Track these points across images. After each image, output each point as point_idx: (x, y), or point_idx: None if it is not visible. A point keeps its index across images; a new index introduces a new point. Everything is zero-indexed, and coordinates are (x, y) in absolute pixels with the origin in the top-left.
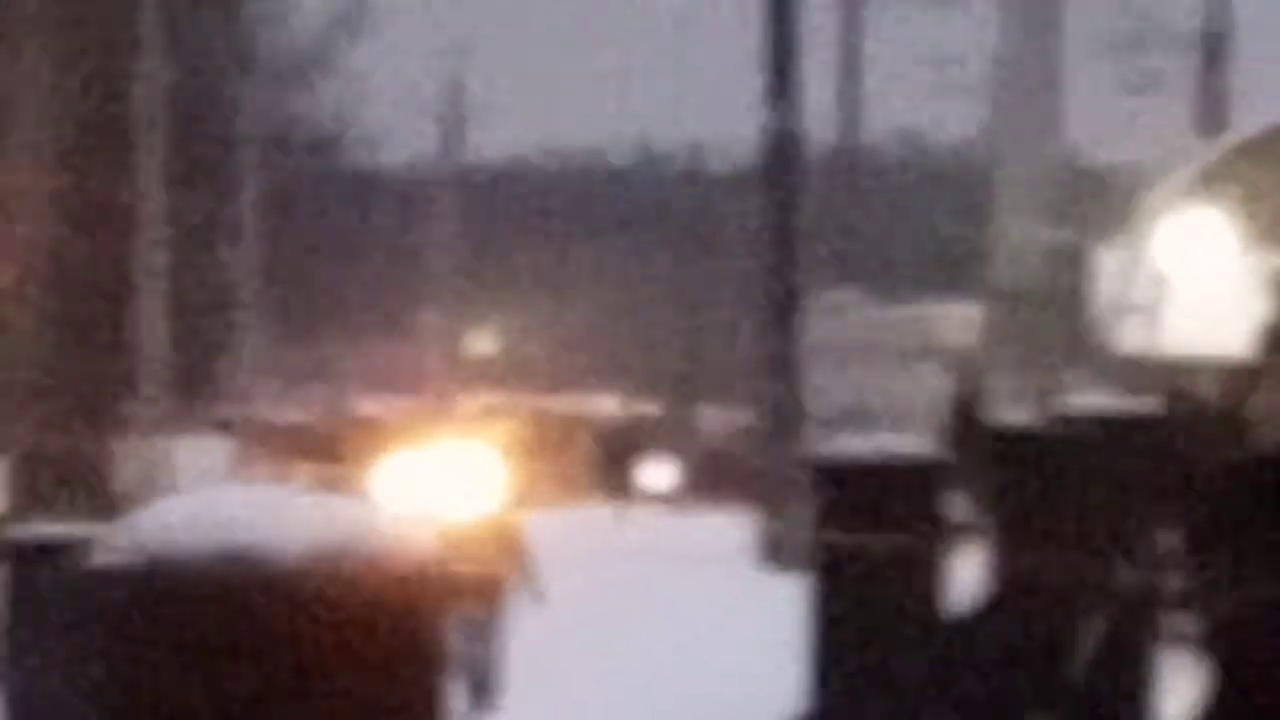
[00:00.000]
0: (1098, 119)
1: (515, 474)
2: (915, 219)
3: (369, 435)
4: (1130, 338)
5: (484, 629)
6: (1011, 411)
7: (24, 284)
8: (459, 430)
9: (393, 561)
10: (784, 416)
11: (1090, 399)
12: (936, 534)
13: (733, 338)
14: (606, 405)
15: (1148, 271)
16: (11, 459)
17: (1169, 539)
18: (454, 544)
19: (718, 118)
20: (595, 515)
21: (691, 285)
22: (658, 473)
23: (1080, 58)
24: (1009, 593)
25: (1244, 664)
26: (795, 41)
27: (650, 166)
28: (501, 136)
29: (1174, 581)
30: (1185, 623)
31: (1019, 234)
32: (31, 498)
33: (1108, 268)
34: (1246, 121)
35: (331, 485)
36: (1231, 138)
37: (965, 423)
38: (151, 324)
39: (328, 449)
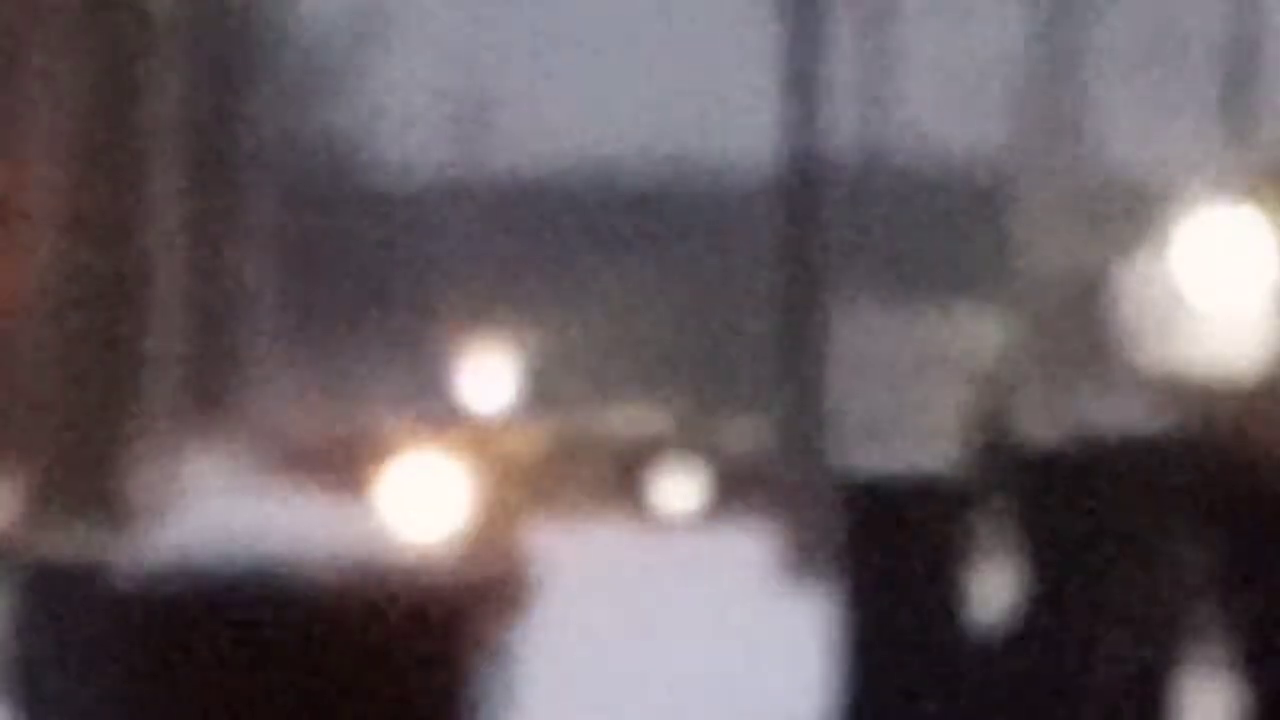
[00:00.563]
0: (1124, 130)
1: (532, 488)
2: (939, 231)
3: (384, 448)
4: (1155, 352)
5: (496, 644)
6: (1036, 428)
7: (36, 292)
8: (475, 443)
9: (420, 572)
10: (806, 430)
11: (1115, 415)
12: (964, 552)
13: (755, 351)
14: (626, 419)
15: (1173, 286)
16: (22, 470)
17: (1195, 559)
18: (465, 556)
19: (739, 129)
20: (614, 530)
21: (712, 298)
22: (678, 488)
23: (1107, 68)
24: (1034, 613)
25: (1272, 687)
26: (818, 52)
27: (672, 178)
28: (520, 149)
29: (1200, 603)
30: (1211, 645)
31: (1044, 247)
32: (43, 510)
33: (1133, 282)
34: (1274, 134)
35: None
36: (1259, 151)
37: (989, 439)
38: (165, 334)
39: (342, 461)
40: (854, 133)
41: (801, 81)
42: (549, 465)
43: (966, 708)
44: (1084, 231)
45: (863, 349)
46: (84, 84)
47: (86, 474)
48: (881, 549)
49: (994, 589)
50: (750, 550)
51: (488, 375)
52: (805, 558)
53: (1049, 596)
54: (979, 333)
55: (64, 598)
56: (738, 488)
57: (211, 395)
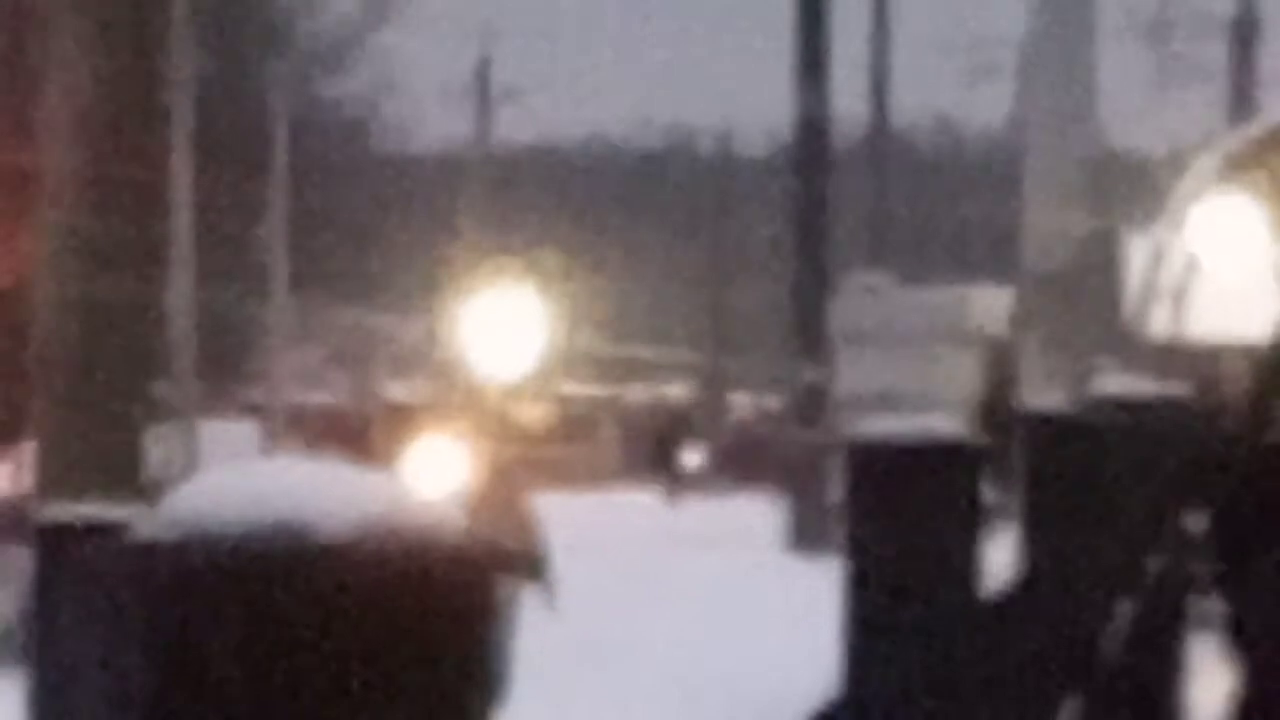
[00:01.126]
0: (1130, 104)
1: (543, 457)
2: (946, 203)
3: (397, 419)
4: (1160, 323)
5: (503, 608)
6: (1042, 395)
7: (52, 265)
8: (487, 410)
9: (441, 535)
10: (814, 400)
11: (1121, 383)
12: (972, 516)
13: (763, 322)
14: (636, 389)
15: (1178, 257)
16: (39, 441)
17: (1198, 523)
18: (477, 520)
19: (749, 102)
20: (623, 499)
21: (722, 269)
22: (686, 456)
23: (1113, 43)
24: (1038, 577)
25: (1273, 650)
26: (827, 25)
27: (681, 150)
28: (532, 119)
29: (1203, 566)
30: (1214, 607)
31: (1050, 218)
32: (58, 480)
33: (1138, 253)
34: (1277, 107)
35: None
36: (1262, 123)
37: (996, 406)
38: (180, 306)
39: (356, 433)
40: (862, 106)
41: (812, 55)
42: (560, 431)
43: (974, 672)
44: (1092, 202)
45: (873, 317)
46: (98, 57)
47: (104, 441)
48: (889, 514)
49: (1002, 556)
50: (760, 517)
51: (500, 342)
52: (813, 523)
53: (1057, 562)
54: (988, 301)
55: (79, 560)
56: (746, 454)
57: (223, 365)
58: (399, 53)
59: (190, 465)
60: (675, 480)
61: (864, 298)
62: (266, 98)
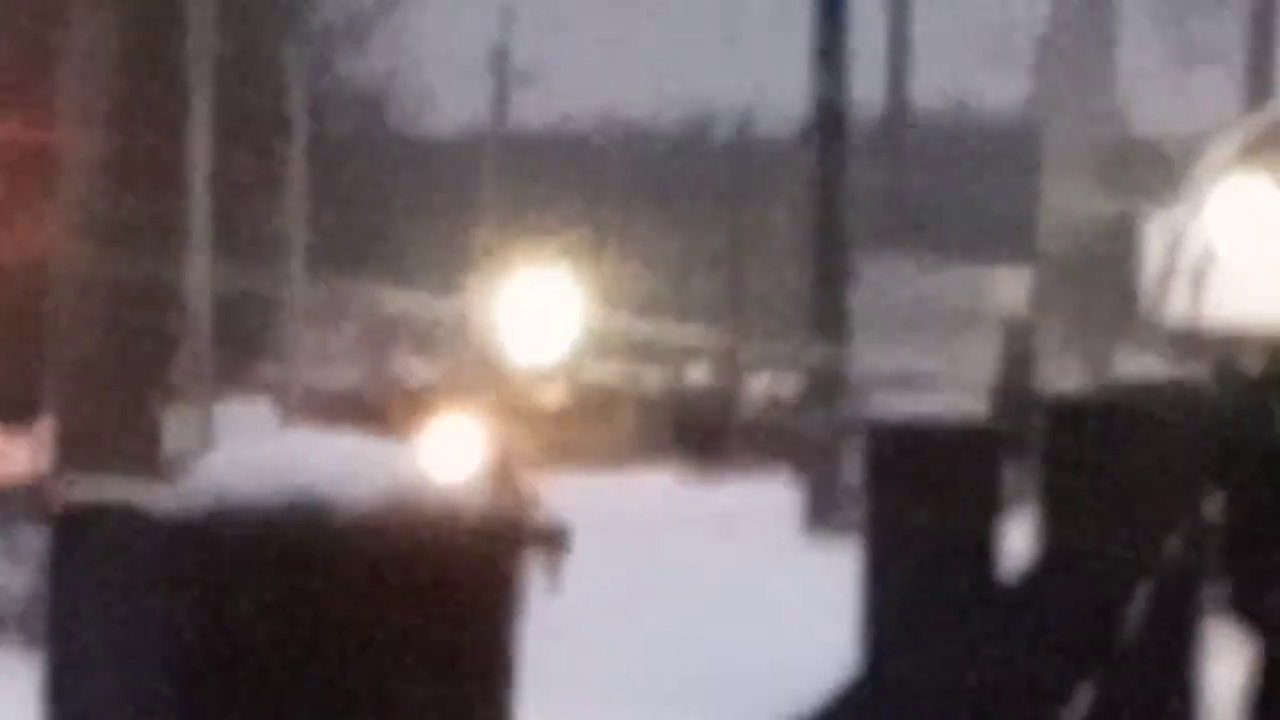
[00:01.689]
0: (1147, 87)
1: (558, 439)
2: (965, 185)
3: (415, 399)
4: (1178, 306)
5: (526, 589)
6: (1060, 378)
7: (69, 244)
8: (506, 393)
9: (467, 508)
10: (832, 382)
11: (1138, 367)
12: (994, 500)
13: (781, 304)
14: (652, 371)
15: (1196, 240)
16: (57, 420)
17: (1215, 508)
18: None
19: (767, 84)
20: (639, 482)
21: (740, 251)
22: (702, 439)
23: (1130, 26)
24: (1055, 561)
25: None
26: (844, 7)
27: (699, 132)
28: (549, 101)
29: (1219, 551)
30: (1230, 592)
31: (1068, 201)
32: (76, 459)
33: (1156, 236)
34: None
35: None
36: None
37: (1014, 388)
38: (197, 284)
39: (375, 413)
40: (880, 88)
41: (829, 37)
42: (578, 415)
43: (992, 659)
44: (1110, 185)
45: (891, 301)
46: (117, 34)
47: (122, 420)
48: (907, 498)
49: (1020, 539)
50: (777, 501)
51: (518, 325)
52: (831, 508)
53: (1075, 545)
54: (1006, 284)
55: (99, 540)
56: (765, 438)
57: (240, 345)
58: (415, 31)
59: (206, 445)
60: (693, 462)
61: (882, 280)
62: (285, 77)
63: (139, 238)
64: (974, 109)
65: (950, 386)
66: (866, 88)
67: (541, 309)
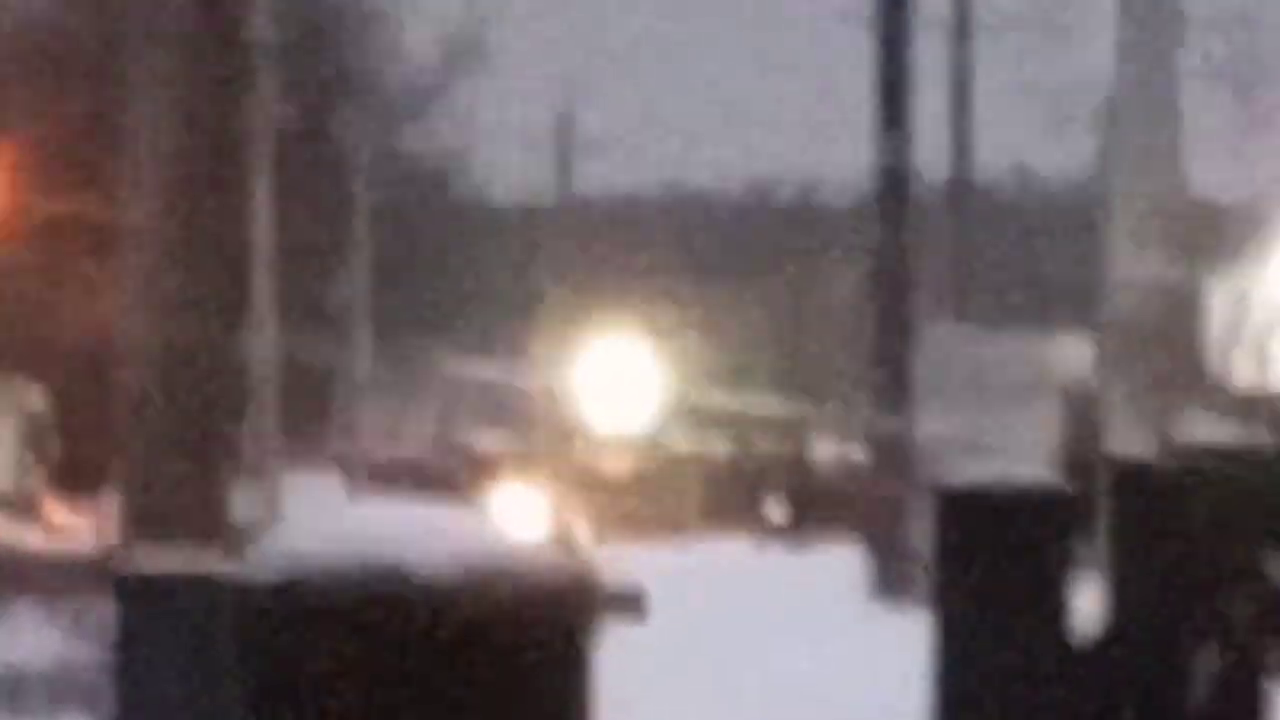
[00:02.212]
0: (1213, 153)
1: (630, 508)
2: (1028, 252)
3: (481, 469)
4: (1242, 370)
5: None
6: (1126, 444)
7: (134, 315)
8: (574, 465)
9: (540, 575)
10: (897, 450)
11: (1205, 432)
12: (1063, 565)
13: (845, 372)
14: (721, 440)
15: (1260, 304)
16: (124, 491)
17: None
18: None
19: (829, 153)
20: (707, 549)
21: (803, 320)
22: (770, 507)
23: (1197, 91)
24: (1124, 625)
25: None
26: (906, 75)
27: (762, 202)
28: (613, 171)
29: None
30: None
31: (1133, 267)
32: (142, 531)
33: (1222, 302)
34: None
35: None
36: None
37: (1079, 454)
38: (263, 355)
39: (440, 484)
40: (943, 155)
41: (892, 105)
42: (649, 483)
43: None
44: (1175, 251)
45: (955, 367)
46: (181, 107)
47: (189, 492)
48: (975, 563)
49: (1088, 603)
50: (846, 566)
51: (590, 394)
52: (900, 573)
53: (1143, 611)
54: (1071, 350)
55: (168, 611)
56: (834, 503)
57: (304, 415)
58: (479, 102)
59: (274, 516)
60: (761, 530)
61: (946, 346)
62: (349, 149)
63: (204, 311)
64: (1036, 175)
65: (1015, 452)
66: (929, 155)
67: (612, 379)
